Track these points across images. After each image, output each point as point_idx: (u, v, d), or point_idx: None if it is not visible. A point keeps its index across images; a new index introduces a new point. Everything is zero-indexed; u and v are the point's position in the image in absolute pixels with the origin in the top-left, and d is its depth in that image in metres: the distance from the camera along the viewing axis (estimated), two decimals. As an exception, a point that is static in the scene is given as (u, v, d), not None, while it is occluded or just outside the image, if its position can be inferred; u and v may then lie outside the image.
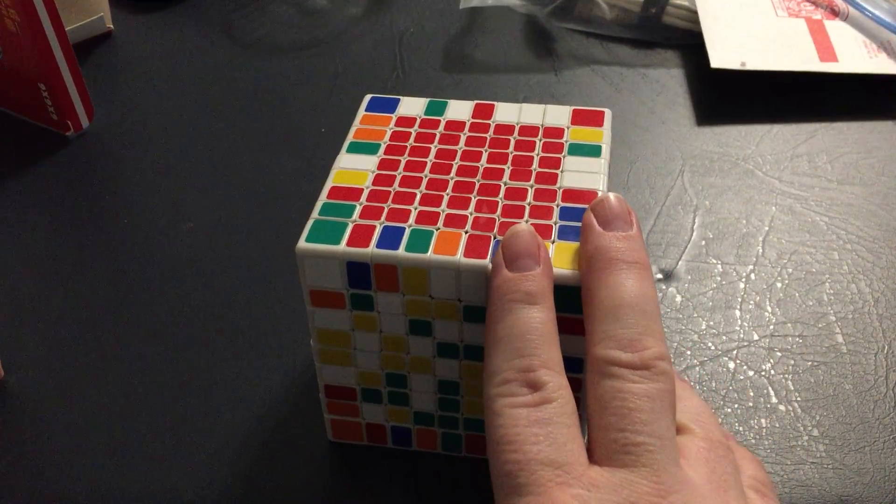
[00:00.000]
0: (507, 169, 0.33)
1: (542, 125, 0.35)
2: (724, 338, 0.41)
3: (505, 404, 0.26)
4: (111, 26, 0.63)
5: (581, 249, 0.29)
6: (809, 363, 0.40)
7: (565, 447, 0.25)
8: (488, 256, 0.30)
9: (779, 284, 0.43)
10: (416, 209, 0.31)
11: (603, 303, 0.27)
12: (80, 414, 0.38)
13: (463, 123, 0.36)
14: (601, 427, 0.26)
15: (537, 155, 0.34)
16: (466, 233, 0.30)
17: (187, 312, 0.43)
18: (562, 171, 0.33)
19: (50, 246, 0.47)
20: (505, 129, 0.35)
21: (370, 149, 0.34)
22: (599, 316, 0.27)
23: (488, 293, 0.29)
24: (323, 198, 0.32)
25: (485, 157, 0.34)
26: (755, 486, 0.29)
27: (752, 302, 0.42)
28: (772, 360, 0.40)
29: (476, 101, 0.37)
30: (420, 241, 0.30)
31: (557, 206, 0.32)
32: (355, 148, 0.35)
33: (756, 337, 0.41)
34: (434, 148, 0.34)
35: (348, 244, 0.30)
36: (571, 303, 0.29)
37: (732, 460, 0.27)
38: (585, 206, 0.31)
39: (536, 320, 0.27)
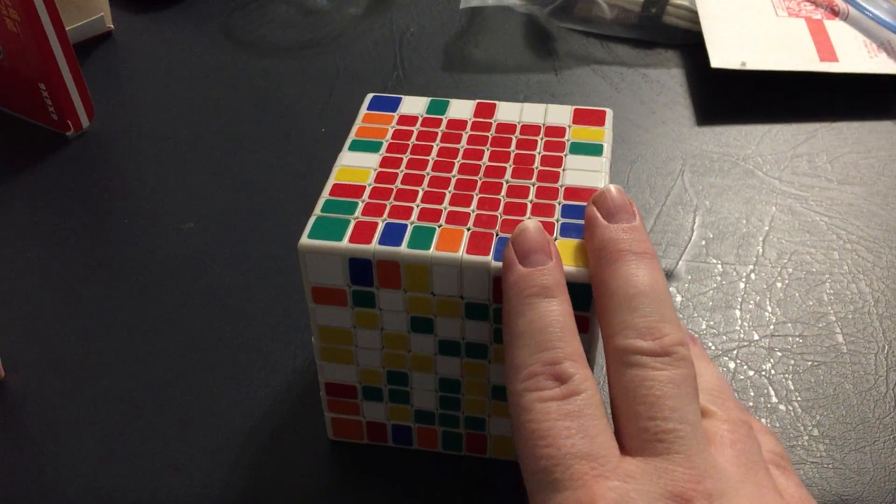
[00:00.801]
0: (509, 167, 0.33)
1: (543, 124, 0.35)
2: (724, 338, 0.41)
3: (533, 399, 0.26)
4: (111, 26, 0.63)
5: (587, 243, 0.29)
6: (809, 363, 0.40)
7: (598, 439, 0.25)
8: (490, 253, 0.30)
9: (779, 284, 0.43)
10: (418, 206, 0.31)
11: (616, 294, 0.27)
12: (81, 414, 0.38)
13: (465, 122, 0.36)
14: (629, 416, 0.26)
15: (539, 153, 0.34)
16: (468, 230, 0.30)
17: (187, 312, 0.43)
18: (563, 170, 0.33)
19: (50, 246, 0.47)
20: (506, 128, 0.35)
21: (372, 147, 0.34)
22: (614, 307, 0.27)
23: (503, 291, 0.29)
24: (325, 195, 0.32)
25: (486, 155, 0.34)
26: (774, 460, 0.29)
27: (752, 302, 0.42)
28: (772, 360, 0.40)
29: (478, 101, 0.37)
30: (422, 238, 0.30)
31: (559, 203, 0.32)
32: (357, 146, 0.35)
33: (756, 337, 0.41)
34: (436, 146, 0.34)
35: (350, 241, 0.30)
36: (576, 300, 0.29)
37: (754, 438, 0.27)
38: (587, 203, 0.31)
39: (556, 313, 0.27)
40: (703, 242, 0.46)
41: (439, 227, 0.31)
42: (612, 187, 0.30)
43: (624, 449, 0.26)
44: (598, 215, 0.29)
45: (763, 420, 0.37)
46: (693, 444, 0.25)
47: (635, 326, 0.27)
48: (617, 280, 0.28)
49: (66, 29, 0.51)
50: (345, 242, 0.30)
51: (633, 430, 0.26)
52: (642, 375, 0.26)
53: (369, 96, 0.37)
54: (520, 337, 0.27)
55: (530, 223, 0.29)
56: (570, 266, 0.29)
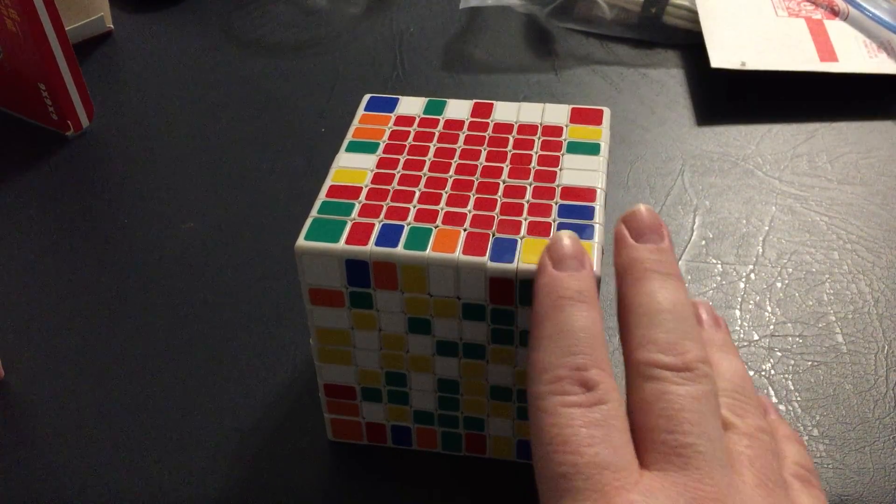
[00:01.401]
0: (506, 167, 0.33)
1: (540, 124, 0.35)
2: (724, 337, 0.41)
3: (558, 403, 0.26)
4: (111, 26, 0.63)
5: (615, 261, 0.29)
6: (809, 363, 0.39)
7: (621, 451, 0.25)
8: (486, 254, 0.30)
9: (779, 284, 0.43)
10: (414, 207, 0.31)
11: (640, 310, 0.27)
12: (81, 414, 0.38)
13: (462, 122, 0.36)
14: (647, 429, 0.26)
15: (536, 153, 0.34)
16: (465, 230, 0.30)
17: (187, 312, 0.43)
18: (560, 169, 0.33)
19: (50, 246, 0.47)
20: (504, 127, 0.35)
21: (369, 148, 0.34)
22: (637, 322, 0.27)
23: (534, 293, 0.28)
24: (322, 196, 0.32)
25: (483, 155, 0.34)
26: (798, 472, 0.28)
27: (752, 302, 0.42)
28: (772, 360, 0.40)
29: (475, 101, 0.37)
30: (419, 238, 0.30)
31: (556, 203, 0.32)
32: (354, 147, 0.35)
33: (756, 337, 0.41)
34: (433, 147, 0.34)
35: (347, 242, 0.30)
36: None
37: (774, 450, 0.27)
38: (584, 203, 0.31)
39: (587, 319, 0.27)
40: (703, 242, 0.46)
41: (436, 227, 0.31)
42: (643, 207, 0.30)
43: (641, 462, 0.26)
44: (627, 234, 0.29)
45: (762, 420, 0.37)
46: (713, 461, 0.25)
47: (657, 341, 0.27)
48: (640, 297, 0.28)
49: (66, 29, 0.51)
50: (341, 244, 0.30)
51: (651, 444, 0.25)
52: (662, 389, 0.26)
53: (366, 97, 0.37)
54: (547, 339, 0.27)
55: (566, 232, 0.29)
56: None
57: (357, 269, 0.30)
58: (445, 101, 0.37)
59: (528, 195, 0.32)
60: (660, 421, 0.25)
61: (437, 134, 0.35)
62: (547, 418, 0.26)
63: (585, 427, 0.25)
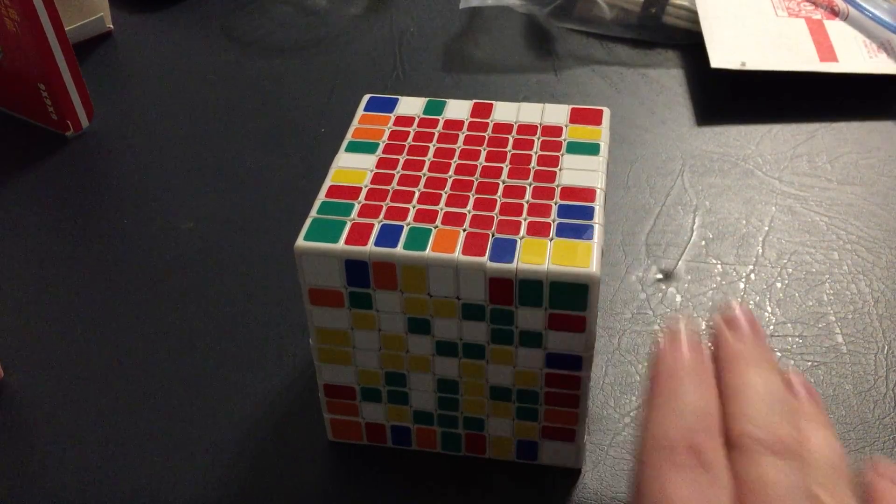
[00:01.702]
0: (506, 167, 0.33)
1: (540, 124, 0.35)
2: (724, 337, 0.41)
3: (667, 462, 0.26)
4: (111, 26, 0.63)
5: (715, 354, 0.30)
6: (809, 363, 0.39)
7: None
8: (486, 254, 0.30)
9: (779, 284, 0.43)
10: (414, 207, 0.31)
11: (735, 391, 0.28)
12: (81, 414, 0.38)
13: (461, 122, 0.36)
14: (736, 501, 0.26)
15: (535, 153, 0.34)
16: (464, 231, 0.30)
17: (186, 312, 0.43)
18: (560, 170, 0.33)
19: (50, 246, 0.47)
20: (503, 127, 0.35)
21: (369, 148, 0.34)
22: (733, 400, 0.28)
23: (652, 361, 0.29)
24: (321, 197, 0.32)
25: (483, 155, 0.34)
26: None
27: (752, 302, 0.42)
28: (771, 360, 0.40)
29: (474, 101, 0.37)
30: (418, 239, 0.30)
31: (556, 203, 0.32)
32: (354, 147, 0.35)
33: (756, 336, 0.41)
34: (432, 147, 0.34)
35: (347, 242, 0.30)
36: (574, 300, 0.29)
37: None
38: (584, 203, 0.32)
39: (703, 397, 0.28)
40: (703, 242, 0.46)
41: (435, 227, 0.31)
42: (741, 310, 0.31)
43: None
44: (725, 329, 0.30)
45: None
46: None
47: (749, 416, 0.27)
48: (737, 383, 0.28)
49: (66, 29, 0.51)
50: (341, 244, 0.30)
51: None
52: (752, 461, 0.26)
53: (366, 97, 0.37)
54: (665, 409, 0.27)
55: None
56: (566, 266, 0.29)
57: (356, 269, 0.30)
58: (445, 102, 0.37)
59: (528, 195, 0.32)
60: (749, 495, 0.25)
61: (436, 134, 0.35)
62: (653, 473, 0.26)
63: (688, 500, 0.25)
